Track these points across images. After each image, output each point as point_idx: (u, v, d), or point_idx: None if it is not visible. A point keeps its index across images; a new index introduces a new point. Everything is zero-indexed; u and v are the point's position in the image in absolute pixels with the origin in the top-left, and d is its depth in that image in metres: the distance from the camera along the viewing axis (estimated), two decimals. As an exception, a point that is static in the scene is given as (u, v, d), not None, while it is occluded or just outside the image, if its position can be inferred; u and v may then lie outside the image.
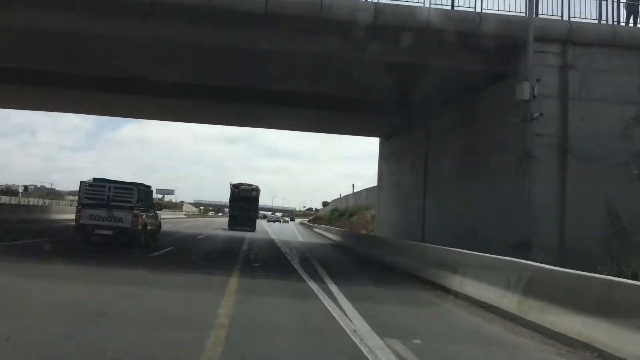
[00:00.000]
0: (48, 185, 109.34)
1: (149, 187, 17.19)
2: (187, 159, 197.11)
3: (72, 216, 17.39)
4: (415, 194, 20.32)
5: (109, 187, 14.87)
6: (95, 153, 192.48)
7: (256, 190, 37.91)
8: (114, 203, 14.57)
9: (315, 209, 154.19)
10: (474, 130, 15.57)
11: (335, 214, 55.41)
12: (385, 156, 25.77)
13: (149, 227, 15.75)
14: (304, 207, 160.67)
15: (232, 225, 35.51)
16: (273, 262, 14.04)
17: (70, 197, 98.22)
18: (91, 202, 14.63)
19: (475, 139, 15.46)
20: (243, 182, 38.26)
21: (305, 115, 22.03)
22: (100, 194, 14.72)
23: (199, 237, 23.37)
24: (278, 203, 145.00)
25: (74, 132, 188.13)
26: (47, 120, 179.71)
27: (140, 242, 14.82)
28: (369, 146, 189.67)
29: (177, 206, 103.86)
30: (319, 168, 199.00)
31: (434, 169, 18.65)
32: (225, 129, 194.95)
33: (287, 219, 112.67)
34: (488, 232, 13.66)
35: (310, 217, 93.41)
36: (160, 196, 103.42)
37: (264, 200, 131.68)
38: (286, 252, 17.33)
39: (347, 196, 65.82)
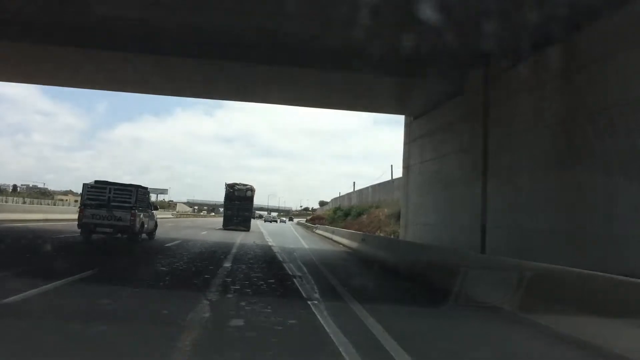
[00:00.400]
0: (40, 185, 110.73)
1: (146, 188, 18.69)
2: (183, 159, 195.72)
3: (43, 216, 22.09)
4: (468, 186, 14.70)
5: (110, 188, 16.32)
6: (90, 153, 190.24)
7: (251, 190, 38.08)
8: (114, 203, 15.96)
9: (312, 208, 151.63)
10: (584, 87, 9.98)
11: (339, 213, 50.19)
12: (414, 139, 19.90)
13: (145, 226, 17.26)
14: (300, 206, 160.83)
15: (227, 225, 35.49)
16: (273, 294, 8.07)
17: (61, 197, 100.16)
18: (93, 202, 15.91)
19: (590, 100, 9.90)
20: (238, 182, 38.54)
21: (310, 82, 16.25)
22: (101, 195, 16.11)
23: (168, 244, 16.71)
24: (274, 202, 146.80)
25: (68, 131, 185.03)
26: (42, 120, 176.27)
27: (138, 239, 16.55)
28: (368, 143, 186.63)
29: (170, 206, 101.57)
30: (315, 168, 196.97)
31: (503, 149, 13.00)
32: (220, 129, 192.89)
33: (284, 218, 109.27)
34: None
35: (308, 217, 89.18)
36: (153, 196, 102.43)
37: (259, 199, 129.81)
38: (293, 271, 11.30)
39: (349, 194, 61.36)
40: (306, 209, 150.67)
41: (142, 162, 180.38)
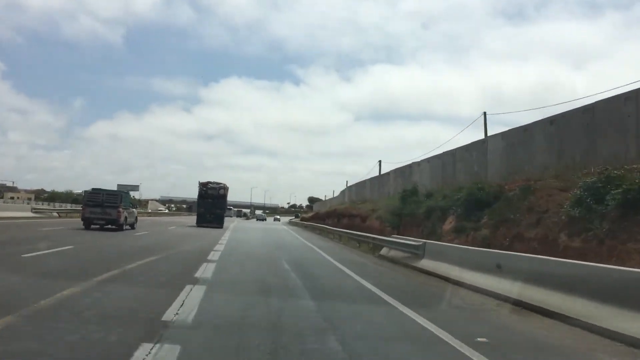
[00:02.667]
0: (9, 184, 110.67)
1: (128, 192, 29.31)
2: (163, 158, 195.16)
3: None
4: None
5: (103, 193, 23.74)
6: (69, 152, 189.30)
7: (224, 188, 38.94)
8: (106, 204, 23.11)
9: (301, 205, 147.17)
10: None
11: (364, 207, 33.92)
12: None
13: (128, 219, 24.73)
14: (288, 203, 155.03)
15: (200, 222, 36.87)
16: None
17: (12, 195, 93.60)
18: (91, 203, 23.45)
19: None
20: (211, 181, 39.46)
21: None
22: (97, 197, 23.47)
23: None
24: (258, 200, 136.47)
25: (44, 129, 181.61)
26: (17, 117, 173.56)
27: (123, 228, 23.55)
28: (352, 143, 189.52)
29: (140, 204, 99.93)
30: (299, 165, 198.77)
31: None
32: (201, 125, 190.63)
33: (277, 217, 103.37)
34: None
35: (304, 215, 78.33)
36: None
37: (243, 197, 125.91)
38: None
39: (362, 182, 43.44)
40: (293, 206, 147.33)
41: (122, 160, 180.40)
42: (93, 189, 24.62)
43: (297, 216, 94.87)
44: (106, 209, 23.11)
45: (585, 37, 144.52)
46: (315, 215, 58.31)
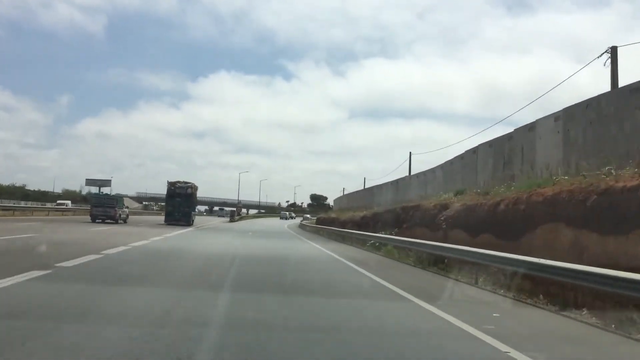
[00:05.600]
0: None
1: (122, 197, 41.55)
2: (154, 157, 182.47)
3: None
4: None
5: (104, 198, 38.16)
6: (58, 151, 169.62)
7: (192, 187, 41.51)
8: (106, 205, 34.75)
9: (302, 203, 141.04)
10: None
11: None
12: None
13: (122, 216, 35.85)
14: (287, 201, 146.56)
15: (168, 220, 39.09)
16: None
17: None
18: (96, 204, 35.50)
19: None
20: (180, 181, 41.76)
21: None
22: (100, 200, 36.32)
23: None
24: (249, 197, 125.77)
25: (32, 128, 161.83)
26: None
27: (118, 222, 33.71)
28: (346, 141, 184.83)
29: None
30: (292, 165, 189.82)
31: None
32: (190, 123, 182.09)
33: (292, 214, 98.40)
34: None
35: (325, 215, 58.43)
36: (94, 189, 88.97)
37: (242, 195, 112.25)
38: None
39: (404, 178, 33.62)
40: (293, 205, 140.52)
41: (111, 159, 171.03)
42: (96, 194, 39.47)
43: (305, 218, 78.72)
44: (106, 208, 34.39)
45: (589, 29, 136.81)
46: (331, 219, 45.57)
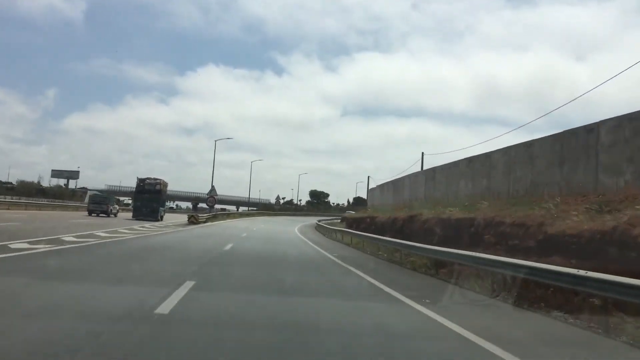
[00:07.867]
0: None
1: (113, 196, 54.86)
2: (145, 154, 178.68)
3: None
4: None
5: (100, 196, 47.76)
6: (47, 147, 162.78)
7: (160, 184, 42.97)
8: (101, 202, 44.07)
9: (300, 200, 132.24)
10: None
11: None
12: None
13: (113, 211, 43.92)
14: (283, 198, 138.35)
15: (136, 216, 39.93)
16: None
17: None
18: (93, 201, 45.00)
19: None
20: (150, 177, 43.35)
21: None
22: (97, 198, 45.94)
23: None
24: (241, 194, 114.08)
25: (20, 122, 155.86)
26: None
27: (110, 216, 41.28)
28: (339, 139, 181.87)
29: (75, 195, 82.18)
30: (284, 163, 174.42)
31: None
32: (180, 118, 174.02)
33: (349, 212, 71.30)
34: None
35: (343, 215, 55.31)
36: (62, 181, 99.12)
37: (234, 191, 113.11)
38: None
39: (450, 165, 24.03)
40: (289, 203, 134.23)
41: (101, 156, 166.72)
42: (94, 193, 53.45)
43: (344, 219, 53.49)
44: (101, 205, 43.08)
45: (590, 23, 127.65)
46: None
